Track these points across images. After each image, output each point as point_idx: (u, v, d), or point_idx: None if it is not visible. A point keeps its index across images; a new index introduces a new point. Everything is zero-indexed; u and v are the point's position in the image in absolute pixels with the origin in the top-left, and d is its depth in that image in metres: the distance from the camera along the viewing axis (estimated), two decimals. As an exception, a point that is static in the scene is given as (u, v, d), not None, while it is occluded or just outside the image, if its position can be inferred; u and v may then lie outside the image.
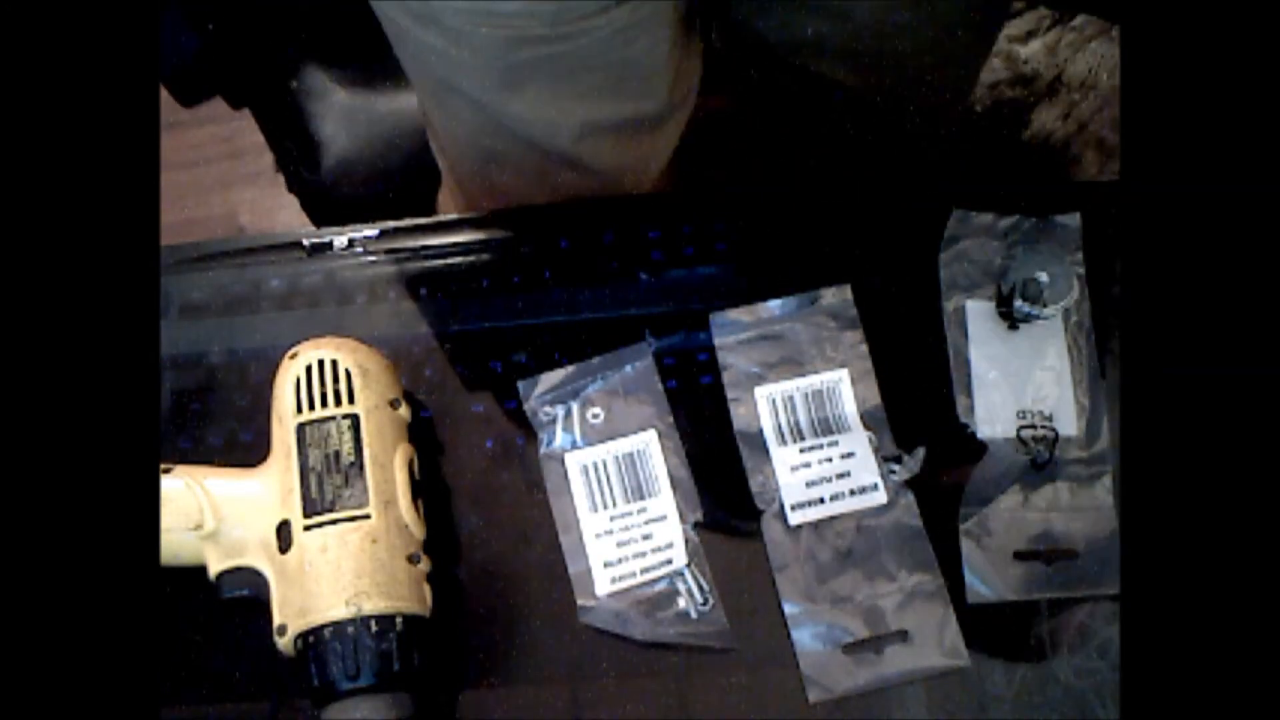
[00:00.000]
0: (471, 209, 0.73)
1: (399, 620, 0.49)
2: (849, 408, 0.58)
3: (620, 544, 0.55)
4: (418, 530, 0.52)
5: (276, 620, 0.50)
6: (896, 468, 0.56)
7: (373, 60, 0.89)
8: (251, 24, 0.87)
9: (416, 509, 0.52)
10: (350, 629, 0.48)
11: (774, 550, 0.55)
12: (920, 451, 0.56)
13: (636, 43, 0.56)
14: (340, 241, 0.62)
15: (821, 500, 0.56)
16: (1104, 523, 0.56)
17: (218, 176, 1.37)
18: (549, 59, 0.55)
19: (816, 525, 0.55)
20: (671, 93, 0.62)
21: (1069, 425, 0.57)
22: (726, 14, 0.66)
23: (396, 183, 0.87)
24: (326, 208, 0.89)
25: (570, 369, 0.58)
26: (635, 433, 0.57)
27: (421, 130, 0.77)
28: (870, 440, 0.57)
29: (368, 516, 0.50)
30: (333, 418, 0.52)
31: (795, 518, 0.55)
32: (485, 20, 0.52)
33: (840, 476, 0.56)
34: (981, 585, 0.54)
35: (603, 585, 0.54)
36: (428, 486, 0.55)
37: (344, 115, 0.88)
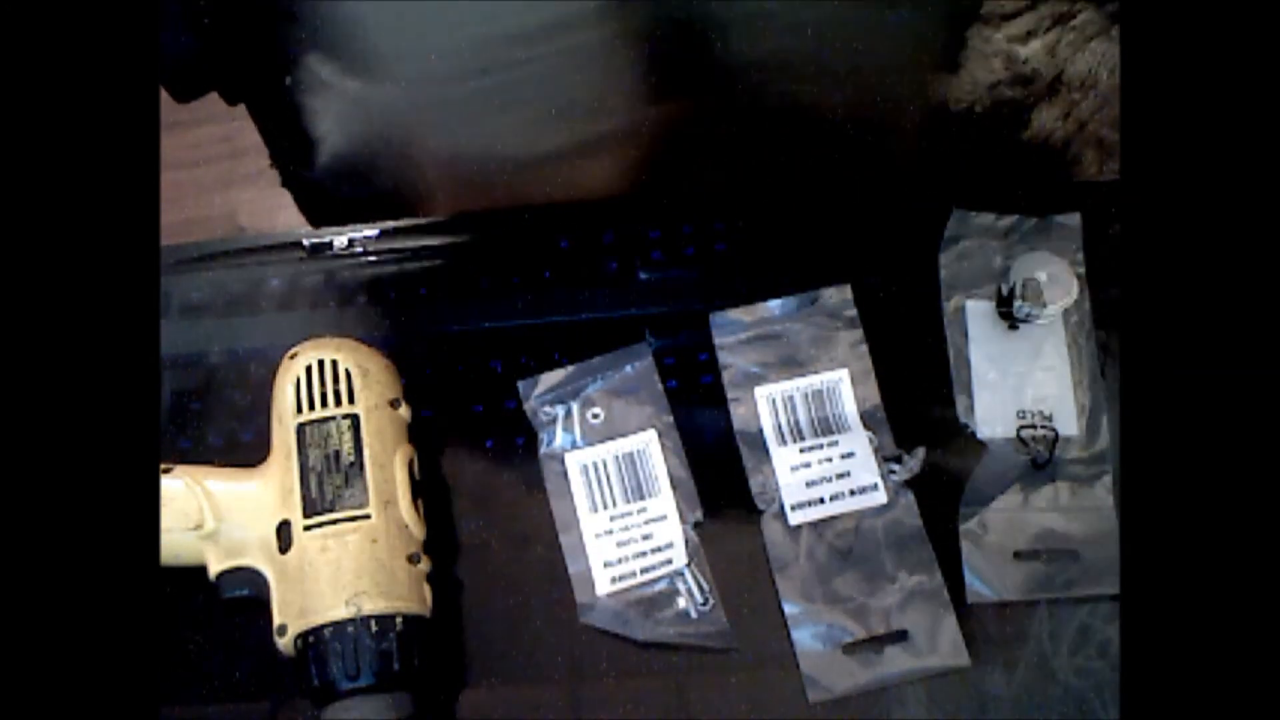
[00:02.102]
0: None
1: (399, 620, 0.49)
2: (849, 408, 0.58)
3: (620, 544, 0.55)
4: (418, 530, 0.52)
5: (276, 620, 0.50)
6: (896, 468, 0.56)
7: (370, 56, 0.89)
8: (247, 19, 0.87)
9: (416, 509, 0.52)
10: (350, 629, 0.48)
11: (774, 550, 0.55)
12: (920, 451, 0.56)
13: (580, 72, 0.57)
14: (340, 241, 0.62)
15: (821, 500, 0.56)
16: (1104, 523, 0.56)
17: (218, 176, 1.37)
18: (487, 91, 0.55)
19: (816, 525, 0.55)
20: (617, 115, 0.62)
21: (1069, 425, 0.57)
22: (691, 31, 0.67)
23: (393, 179, 0.87)
24: (322, 205, 0.89)
25: (570, 369, 0.58)
26: (635, 433, 0.57)
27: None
28: (870, 440, 0.57)
29: (368, 516, 0.50)
30: (333, 418, 0.52)
31: (795, 518, 0.55)
32: (415, 61, 0.53)
33: (840, 476, 0.56)
34: (981, 585, 0.54)
35: (603, 585, 0.54)
36: (428, 486, 0.55)
37: (340, 111, 0.88)
